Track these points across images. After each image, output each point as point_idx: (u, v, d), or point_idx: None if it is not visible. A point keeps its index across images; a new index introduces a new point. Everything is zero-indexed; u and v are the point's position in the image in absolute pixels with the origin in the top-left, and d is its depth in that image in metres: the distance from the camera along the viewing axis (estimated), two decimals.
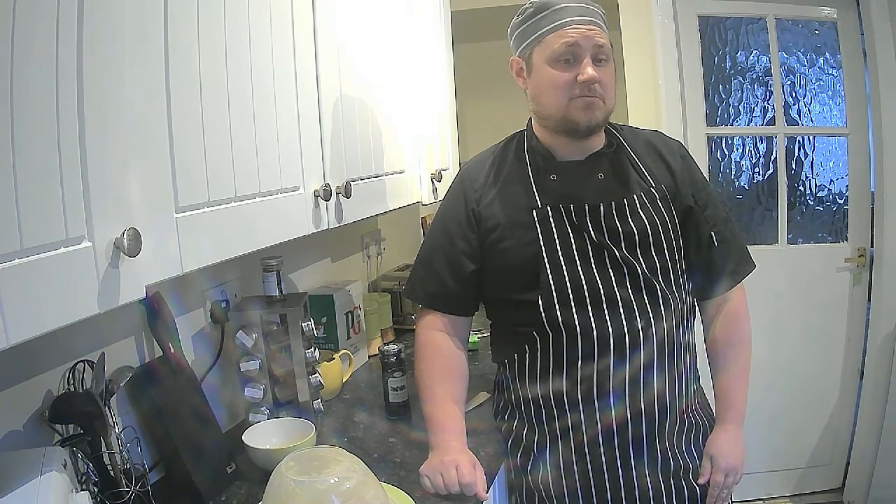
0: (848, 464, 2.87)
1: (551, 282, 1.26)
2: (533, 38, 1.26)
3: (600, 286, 1.25)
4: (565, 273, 1.26)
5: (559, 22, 1.22)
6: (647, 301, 1.26)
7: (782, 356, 2.72)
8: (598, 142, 1.32)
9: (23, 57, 0.69)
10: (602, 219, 1.27)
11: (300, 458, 1.08)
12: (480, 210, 1.33)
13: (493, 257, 1.32)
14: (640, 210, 1.28)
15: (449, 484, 1.22)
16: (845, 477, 2.89)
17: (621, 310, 1.25)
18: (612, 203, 1.27)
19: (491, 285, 1.35)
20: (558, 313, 1.25)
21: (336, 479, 1.02)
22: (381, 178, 1.65)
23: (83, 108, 0.77)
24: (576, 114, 1.25)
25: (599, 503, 1.29)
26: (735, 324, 1.40)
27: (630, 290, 1.26)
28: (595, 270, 1.26)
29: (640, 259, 1.27)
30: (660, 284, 1.27)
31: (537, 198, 1.29)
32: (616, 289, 1.25)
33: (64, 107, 0.74)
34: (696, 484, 1.33)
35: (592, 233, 1.26)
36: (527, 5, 1.28)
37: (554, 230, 1.27)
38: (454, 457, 1.24)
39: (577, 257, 1.26)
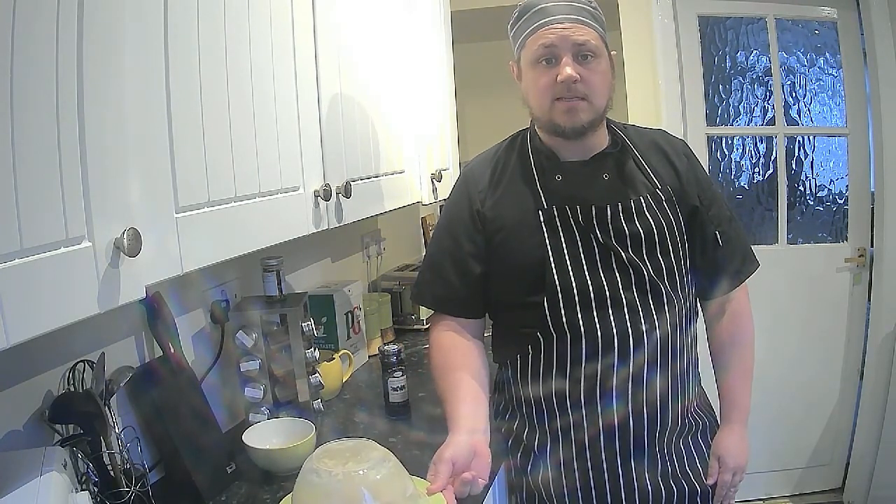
0: (848, 464, 2.87)
1: (557, 284, 1.25)
2: (519, 41, 1.26)
3: (606, 289, 1.25)
4: (571, 276, 1.25)
5: (537, 24, 1.21)
6: (651, 303, 1.26)
7: (782, 356, 2.72)
8: (602, 141, 1.31)
9: (23, 57, 0.69)
10: (608, 220, 1.25)
11: (331, 449, 1.08)
12: (485, 211, 1.32)
13: (498, 259, 1.31)
14: (646, 212, 1.27)
15: None
16: (845, 477, 2.89)
17: (626, 312, 1.24)
18: (619, 204, 1.26)
19: (495, 287, 1.34)
20: (563, 316, 1.25)
21: (365, 471, 1.02)
22: (381, 178, 1.65)
23: (83, 108, 0.77)
24: (558, 117, 1.23)
25: (599, 503, 1.30)
26: (738, 323, 1.40)
27: (635, 293, 1.25)
28: (601, 273, 1.25)
29: (647, 261, 1.26)
30: (665, 286, 1.27)
31: (543, 199, 1.28)
32: (622, 291, 1.25)
33: (64, 107, 0.74)
34: (699, 484, 1.33)
35: (599, 234, 1.25)
36: (516, 7, 1.28)
37: (560, 232, 1.26)
38: (438, 453, 1.16)
39: (583, 259, 1.25)
